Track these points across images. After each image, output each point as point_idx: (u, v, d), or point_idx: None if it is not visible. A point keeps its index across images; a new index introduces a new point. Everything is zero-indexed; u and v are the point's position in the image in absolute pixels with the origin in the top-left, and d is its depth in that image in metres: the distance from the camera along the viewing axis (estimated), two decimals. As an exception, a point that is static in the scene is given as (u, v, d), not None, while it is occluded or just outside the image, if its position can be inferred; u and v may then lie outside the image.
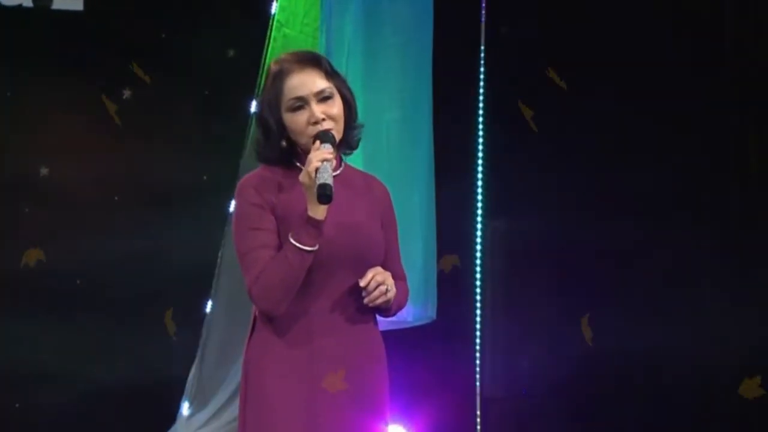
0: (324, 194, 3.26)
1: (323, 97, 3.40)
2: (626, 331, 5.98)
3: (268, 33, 5.87)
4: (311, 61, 3.44)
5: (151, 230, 6.25)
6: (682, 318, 6.00)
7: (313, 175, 3.26)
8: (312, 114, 3.38)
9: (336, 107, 3.42)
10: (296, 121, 3.40)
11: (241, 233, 3.40)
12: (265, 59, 5.77)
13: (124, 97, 6.37)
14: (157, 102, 6.36)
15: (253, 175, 3.47)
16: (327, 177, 3.26)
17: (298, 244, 3.29)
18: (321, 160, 3.28)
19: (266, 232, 3.37)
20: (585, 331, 5.99)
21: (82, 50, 6.29)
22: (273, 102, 3.41)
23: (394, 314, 3.54)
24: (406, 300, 3.58)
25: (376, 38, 5.75)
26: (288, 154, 3.45)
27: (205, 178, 6.37)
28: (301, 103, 3.39)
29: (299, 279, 3.32)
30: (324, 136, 3.36)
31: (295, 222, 3.33)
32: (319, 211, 3.30)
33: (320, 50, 5.50)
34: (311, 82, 3.40)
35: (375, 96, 5.65)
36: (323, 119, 3.39)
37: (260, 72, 5.61)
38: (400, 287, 3.53)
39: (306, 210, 3.31)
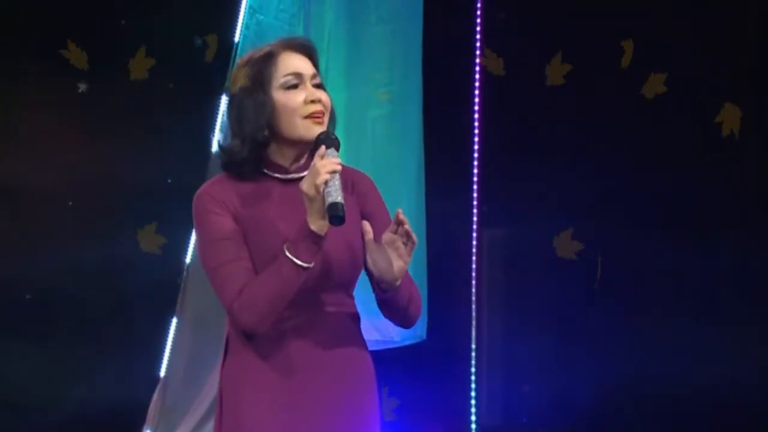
0: (336, 215, 3.12)
1: (316, 84, 3.33)
2: (635, 354, 5.90)
3: (241, 19, 5.72)
4: (304, 47, 3.37)
5: (109, 239, 6.14)
6: (696, 339, 5.86)
7: (321, 188, 3.14)
8: (310, 92, 3.29)
9: (326, 97, 3.34)
10: (291, 98, 3.28)
11: (209, 245, 3.27)
12: (236, 48, 5.64)
13: (80, 90, 6.26)
14: (115, 96, 6.25)
15: (209, 184, 3.35)
16: (338, 195, 3.13)
17: (295, 259, 3.16)
18: (330, 171, 3.15)
19: (237, 243, 3.25)
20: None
21: (30, 39, 6.20)
22: (264, 79, 3.29)
23: (407, 301, 3.30)
24: (417, 293, 3.39)
25: (359, 26, 5.69)
26: (255, 161, 3.30)
27: (169, 180, 6.23)
28: (297, 81, 3.30)
29: (290, 295, 3.20)
30: (327, 140, 3.22)
31: (256, 238, 3.24)
32: (323, 226, 3.17)
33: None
34: (306, 64, 3.34)
35: (359, 90, 5.60)
36: (319, 100, 3.30)
37: (231, 62, 5.46)
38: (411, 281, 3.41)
39: (305, 223, 3.17)
